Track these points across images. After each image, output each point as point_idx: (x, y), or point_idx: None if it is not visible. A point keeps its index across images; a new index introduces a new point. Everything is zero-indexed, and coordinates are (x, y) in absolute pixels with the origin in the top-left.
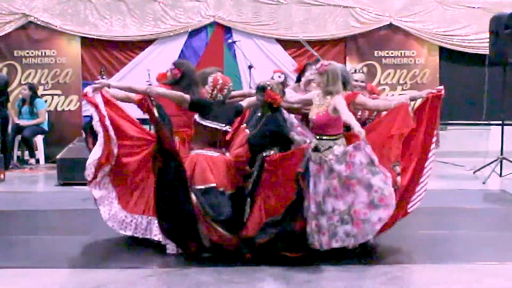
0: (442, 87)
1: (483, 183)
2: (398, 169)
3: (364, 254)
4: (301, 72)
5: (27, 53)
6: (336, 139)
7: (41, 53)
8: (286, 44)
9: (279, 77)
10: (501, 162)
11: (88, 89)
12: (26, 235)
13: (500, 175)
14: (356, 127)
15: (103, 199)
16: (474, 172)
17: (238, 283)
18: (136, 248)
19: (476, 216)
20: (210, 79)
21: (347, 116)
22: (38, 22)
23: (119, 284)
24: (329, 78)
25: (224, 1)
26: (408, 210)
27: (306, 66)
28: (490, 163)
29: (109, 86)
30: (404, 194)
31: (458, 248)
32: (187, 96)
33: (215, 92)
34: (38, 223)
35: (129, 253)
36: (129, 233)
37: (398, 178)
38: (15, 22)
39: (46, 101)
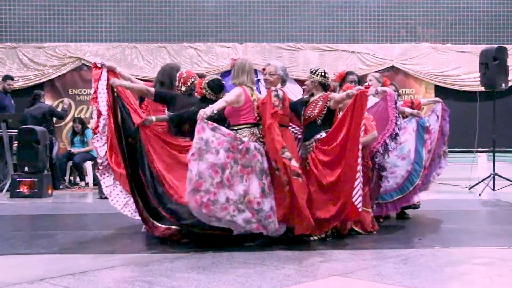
0: (368, 84)
1: (479, 195)
2: (288, 154)
3: (376, 241)
4: (342, 80)
5: (80, 91)
6: (238, 128)
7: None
8: (304, 83)
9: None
10: (493, 178)
11: (98, 60)
12: (55, 231)
13: (493, 189)
14: (203, 110)
15: (112, 193)
16: (469, 189)
17: (252, 264)
18: (152, 238)
19: (475, 215)
20: (177, 74)
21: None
22: (90, 65)
23: (132, 265)
24: (234, 71)
25: (250, 47)
26: (359, 207)
27: (346, 74)
28: (484, 179)
29: (115, 68)
30: (343, 193)
31: (462, 237)
32: (152, 89)
33: (179, 84)
34: (73, 223)
35: (145, 241)
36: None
37: (293, 162)
38: (70, 65)
39: None
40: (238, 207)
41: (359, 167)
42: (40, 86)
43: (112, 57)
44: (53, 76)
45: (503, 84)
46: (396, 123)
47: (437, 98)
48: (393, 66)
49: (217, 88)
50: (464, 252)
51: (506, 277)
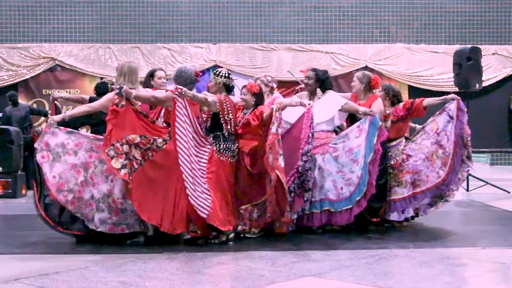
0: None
1: None
2: (112, 153)
3: (350, 241)
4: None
5: (54, 91)
6: None
7: (66, 92)
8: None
9: None
10: (467, 178)
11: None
12: (29, 231)
13: (467, 190)
14: (52, 117)
15: None
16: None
17: (225, 264)
18: (125, 238)
19: (449, 216)
20: None
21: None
22: (64, 65)
23: (106, 266)
24: (116, 75)
25: (224, 47)
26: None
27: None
28: None
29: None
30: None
31: (436, 237)
32: (86, 97)
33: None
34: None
35: (118, 241)
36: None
37: (113, 162)
38: (44, 65)
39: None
40: (99, 206)
41: (185, 168)
42: (14, 86)
43: (86, 57)
44: (27, 77)
45: (477, 85)
46: (307, 142)
47: (452, 95)
48: (366, 67)
49: (98, 91)
50: (438, 252)
51: (481, 278)
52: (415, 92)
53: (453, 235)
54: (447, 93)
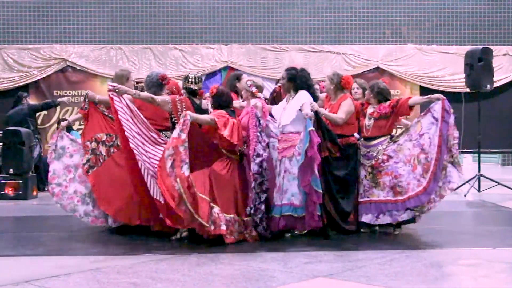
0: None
1: (464, 195)
2: (101, 136)
3: (361, 242)
4: None
5: (65, 93)
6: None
7: (77, 93)
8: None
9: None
10: (479, 178)
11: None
12: (40, 232)
13: (479, 190)
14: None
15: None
16: (454, 189)
17: (237, 265)
18: (136, 239)
19: (460, 216)
20: None
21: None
22: (75, 66)
23: (117, 267)
24: None
25: (235, 48)
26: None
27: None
28: (469, 180)
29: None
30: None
31: (447, 238)
32: None
33: None
34: (58, 224)
35: (130, 242)
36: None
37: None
38: (55, 66)
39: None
40: (84, 199)
41: (140, 163)
42: (25, 87)
43: (97, 58)
44: (38, 78)
45: (488, 85)
46: (257, 142)
47: (437, 95)
48: (378, 67)
49: None
50: (449, 253)
51: (492, 278)
52: (426, 92)
53: (464, 235)
54: (459, 93)
